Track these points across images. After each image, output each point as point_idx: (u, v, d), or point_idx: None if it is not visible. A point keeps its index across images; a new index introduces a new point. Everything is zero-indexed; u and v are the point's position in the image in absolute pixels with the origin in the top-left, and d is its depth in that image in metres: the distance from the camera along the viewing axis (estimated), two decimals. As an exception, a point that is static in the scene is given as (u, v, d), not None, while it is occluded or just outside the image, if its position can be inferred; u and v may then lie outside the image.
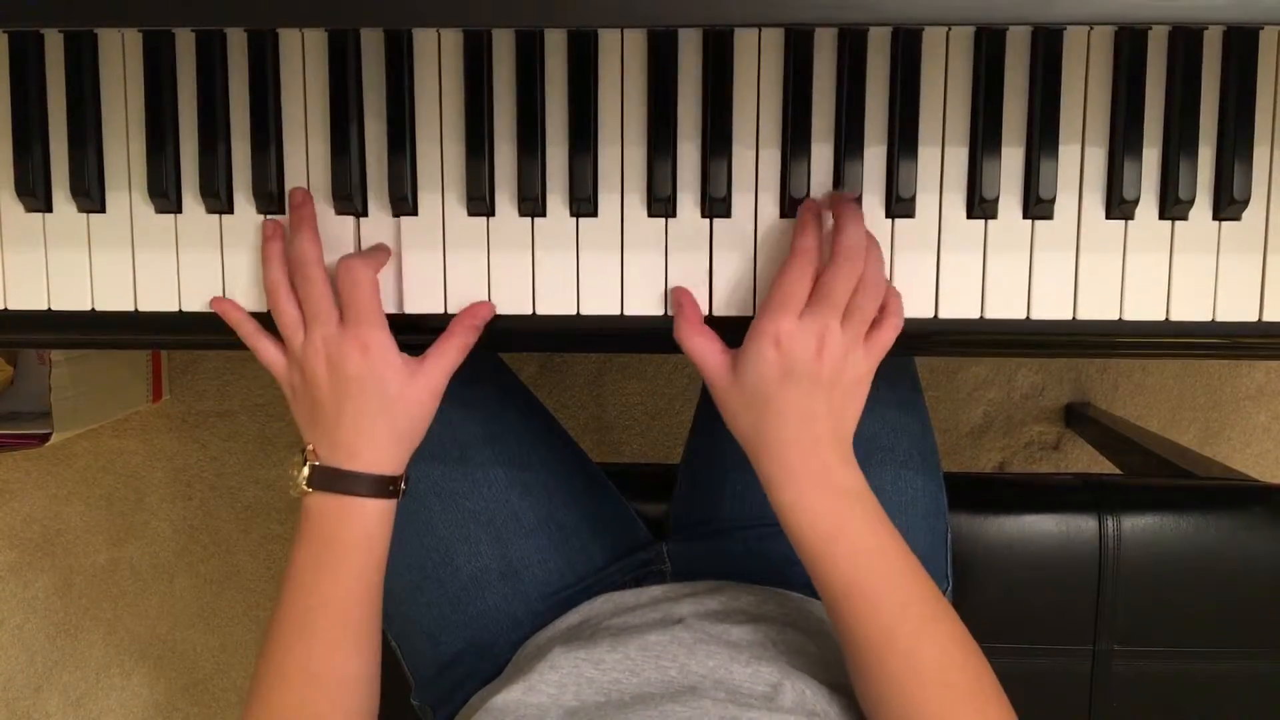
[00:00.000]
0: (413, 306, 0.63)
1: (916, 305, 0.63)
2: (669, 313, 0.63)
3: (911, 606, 0.56)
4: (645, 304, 0.63)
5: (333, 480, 0.59)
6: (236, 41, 0.62)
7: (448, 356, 0.61)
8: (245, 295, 0.64)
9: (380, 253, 0.62)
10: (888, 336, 0.59)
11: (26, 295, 0.64)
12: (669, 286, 0.63)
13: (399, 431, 0.60)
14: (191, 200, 0.63)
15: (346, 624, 0.60)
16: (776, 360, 0.56)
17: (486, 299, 0.63)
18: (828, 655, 0.64)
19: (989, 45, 0.60)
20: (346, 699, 0.60)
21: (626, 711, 0.54)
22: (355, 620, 0.60)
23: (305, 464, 0.60)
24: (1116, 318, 0.63)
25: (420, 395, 0.60)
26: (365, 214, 0.63)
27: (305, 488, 0.59)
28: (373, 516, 0.60)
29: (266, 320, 0.62)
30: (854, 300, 0.57)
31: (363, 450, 0.59)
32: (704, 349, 0.59)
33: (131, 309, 0.64)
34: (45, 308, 0.64)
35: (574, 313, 0.63)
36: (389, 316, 0.63)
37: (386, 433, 0.60)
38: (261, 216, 0.63)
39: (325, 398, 0.59)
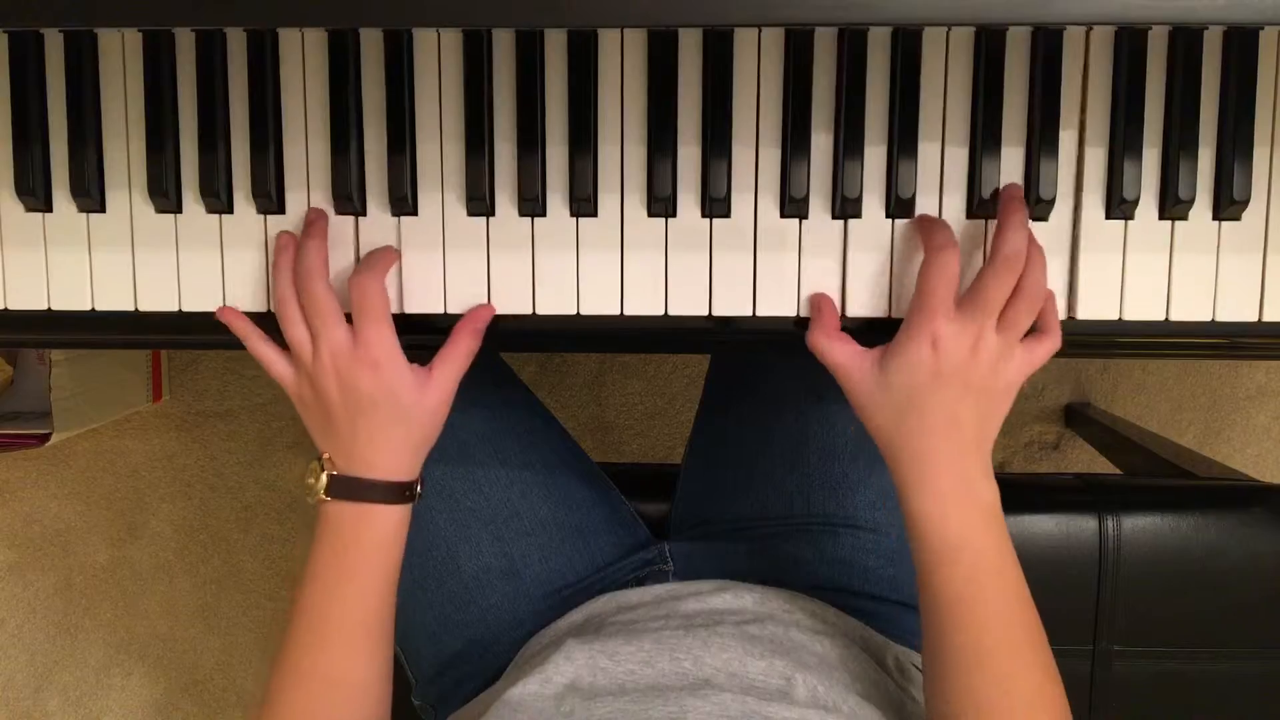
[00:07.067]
0: (413, 307, 0.63)
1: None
2: (668, 311, 0.63)
3: (1015, 632, 0.55)
4: (645, 304, 0.63)
5: (351, 489, 0.60)
6: (236, 41, 0.62)
7: (455, 363, 0.61)
8: (245, 296, 0.64)
9: (387, 255, 0.61)
10: (1043, 353, 0.58)
11: (26, 295, 0.64)
12: (668, 285, 0.63)
13: (414, 440, 0.61)
14: (191, 200, 0.63)
15: (364, 628, 0.60)
16: (931, 360, 0.55)
17: (486, 300, 0.63)
18: (833, 654, 0.64)
19: (989, 45, 0.60)
20: (360, 701, 0.61)
21: (643, 702, 0.54)
22: (372, 624, 0.61)
23: (323, 472, 0.60)
24: (1116, 318, 0.63)
25: (432, 404, 0.61)
26: (364, 214, 0.63)
27: (324, 496, 0.60)
28: (390, 522, 0.61)
29: (268, 323, 0.62)
30: (1009, 308, 0.56)
31: (379, 460, 0.60)
32: (842, 353, 0.58)
33: (131, 309, 0.64)
34: (45, 308, 0.64)
35: (574, 312, 0.63)
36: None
37: (402, 442, 0.60)
38: (262, 216, 0.63)
39: (338, 413, 0.59)
